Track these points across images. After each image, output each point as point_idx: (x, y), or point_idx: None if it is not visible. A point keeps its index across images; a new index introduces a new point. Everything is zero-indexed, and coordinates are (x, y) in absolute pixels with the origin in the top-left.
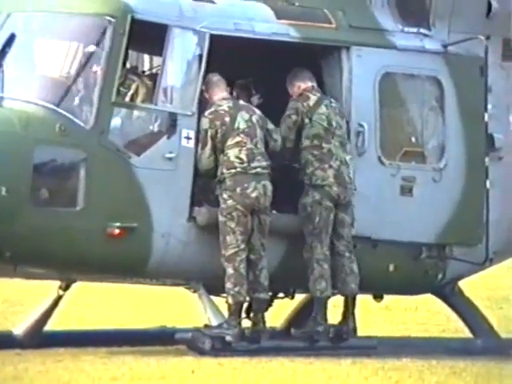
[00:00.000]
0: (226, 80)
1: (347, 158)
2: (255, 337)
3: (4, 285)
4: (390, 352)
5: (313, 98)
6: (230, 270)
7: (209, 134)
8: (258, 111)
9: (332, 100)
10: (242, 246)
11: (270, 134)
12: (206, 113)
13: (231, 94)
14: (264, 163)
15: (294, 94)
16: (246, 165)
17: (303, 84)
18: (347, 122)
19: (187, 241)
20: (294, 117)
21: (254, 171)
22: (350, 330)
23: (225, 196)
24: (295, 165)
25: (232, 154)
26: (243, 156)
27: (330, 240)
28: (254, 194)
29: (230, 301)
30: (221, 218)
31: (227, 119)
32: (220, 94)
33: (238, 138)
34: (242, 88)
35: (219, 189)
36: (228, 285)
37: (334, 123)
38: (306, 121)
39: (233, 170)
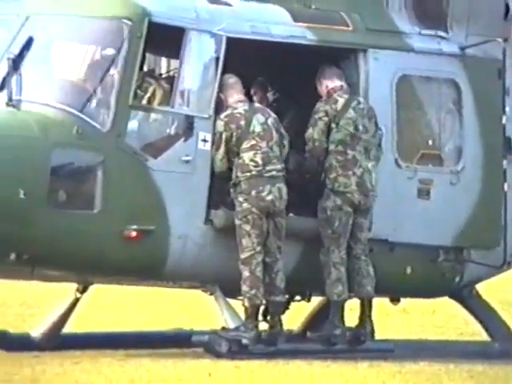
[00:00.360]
0: (243, 83)
1: (369, 164)
2: (272, 340)
3: (22, 287)
4: (408, 355)
5: (341, 101)
6: (246, 273)
7: (223, 136)
8: (273, 114)
9: (361, 100)
10: (258, 249)
11: (281, 139)
12: (222, 115)
13: (249, 93)
14: (279, 166)
15: (321, 92)
16: (261, 168)
17: (331, 83)
18: (376, 123)
19: (204, 243)
20: (325, 119)
21: (269, 174)
22: (367, 333)
23: (240, 199)
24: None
25: (247, 157)
26: (258, 159)
27: (347, 243)
28: (269, 197)
29: (247, 304)
30: (236, 221)
31: (242, 122)
32: (236, 96)
33: (253, 142)
34: (258, 86)
35: (234, 192)
36: (244, 288)
37: (360, 127)
38: (333, 125)
39: (248, 174)
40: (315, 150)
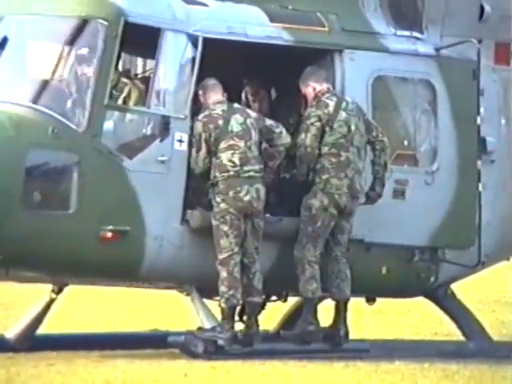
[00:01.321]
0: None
1: (361, 165)
2: (248, 340)
3: None
4: (383, 355)
5: (331, 104)
6: (223, 274)
7: (203, 137)
8: (253, 114)
9: (348, 100)
10: (236, 250)
11: (271, 129)
12: (200, 116)
13: (231, 97)
14: (257, 167)
15: (307, 94)
16: (238, 168)
17: (318, 85)
18: (366, 119)
19: (180, 244)
20: (317, 124)
21: (246, 175)
22: (340, 335)
23: (218, 199)
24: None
25: (225, 157)
26: (236, 159)
27: (327, 244)
28: (246, 198)
29: (224, 304)
30: (214, 222)
31: (220, 122)
32: (214, 97)
33: (231, 141)
34: (257, 84)
35: (212, 192)
36: (222, 288)
37: (353, 127)
38: (327, 129)
39: (225, 174)
40: (306, 157)
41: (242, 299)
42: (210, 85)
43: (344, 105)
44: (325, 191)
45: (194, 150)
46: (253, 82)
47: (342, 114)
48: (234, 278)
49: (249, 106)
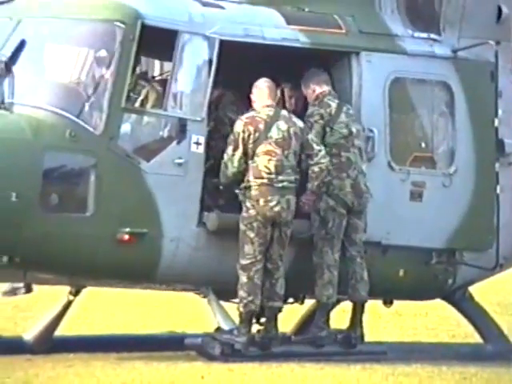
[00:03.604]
0: (237, 85)
1: (364, 166)
2: (266, 343)
3: None
4: (400, 358)
5: (333, 106)
6: (243, 279)
7: (241, 136)
8: (300, 124)
9: (349, 107)
10: (259, 257)
11: (311, 145)
12: (243, 116)
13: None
14: (292, 177)
15: (308, 95)
16: (273, 176)
17: (319, 88)
18: (363, 129)
19: (197, 246)
20: (321, 122)
21: (280, 185)
22: (357, 336)
23: (248, 204)
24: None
25: (261, 162)
26: (271, 166)
27: (342, 245)
28: (276, 208)
29: (242, 309)
30: (241, 226)
31: (261, 126)
32: (265, 100)
33: (269, 147)
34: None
35: (243, 195)
36: (241, 293)
37: (354, 130)
38: (327, 129)
39: (259, 180)
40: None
41: (262, 303)
42: (263, 87)
43: (345, 109)
44: (329, 193)
45: (230, 149)
46: (289, 82)
47: (343, 117)
48: (254, 284)
49: (284, 104)
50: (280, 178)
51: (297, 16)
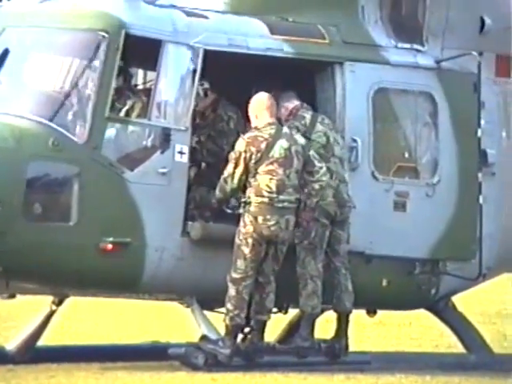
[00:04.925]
0: (219, 94)
1: (346, 175)
2: (250, 353)
3: None
4: (384, 367)
5: (307, 117)
6: (232, 292)
7: (242, 156)
8: (301, 141)
9: (324, 117)
10: (250, 273)
11: (313, 161)
12: (246, 135)
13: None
14: (293, 197)
15: (282, 115)
16: (274, 196)
17: (290, 104)
18: (343, 138)
19: (181, 256)
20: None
21: (280, 205)
22: (342, 347)
23: (246, 220)
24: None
25: (262, 180)
26: (273, 185)
27: (325, 256)
28: (274, 228)
29: (228, 322)
30: (236, 240)
31: (263, 146)
32: (267, 118)
33: (270, 167)
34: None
35: (243, 209)
36: (228, 306)
37: (331, 139)
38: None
39: (260, 198)
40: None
41: (250, 315)
42: (267, 104)
43: (320, 119)
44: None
45: (231, 166)
46: (273, 91)
47: (319, 126)
48: (241, 299)
49: None
50: (281, 197)
51: (281, 26)
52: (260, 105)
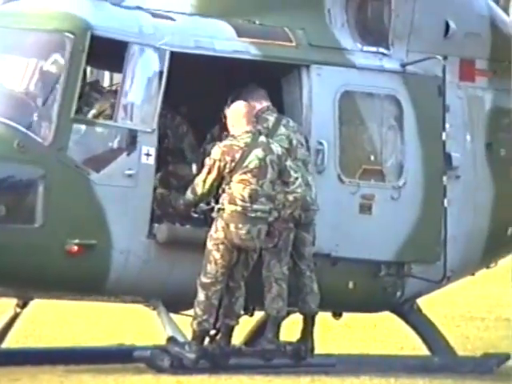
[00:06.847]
0: (185, 98)
1: (310, 178)
2: (216, 356)
3: None
4: (349, 370)
5: (271, 120)
6: (201, 296)
7: (217, 164)
8: (278, 151)
9: (289, 120)
10: (220, 279)
11: (289, 172)
12: (222, 144)
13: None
14: (267, 207)
15: None
16: (248, 205)
17: (259, 104)
18: (307, 140)
19: (147, 258)
20: None
21: (253, 214)
22: (307, 349)
23: (218, 225)
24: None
25: (236, 189)
26: (246, 195)
27: (291, 259)
28: (245, 237)
29: (195, 327)
30: (208, 244)
31: (238, 155)
32: (244, 127)
33: (244, 176)
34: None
35: (217, 213)
36: (197, 310)
37: (294, 142)
38: None
39: (233, 207)
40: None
41: (218, 318)
42: (243, 112)
43: (284, 121)
44: (274, 208)
45: (205, 171)
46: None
47: (282, 129)
48: (210, 304)
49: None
50: (254, 207)
51: (248, 28)
52: (237, 114)
